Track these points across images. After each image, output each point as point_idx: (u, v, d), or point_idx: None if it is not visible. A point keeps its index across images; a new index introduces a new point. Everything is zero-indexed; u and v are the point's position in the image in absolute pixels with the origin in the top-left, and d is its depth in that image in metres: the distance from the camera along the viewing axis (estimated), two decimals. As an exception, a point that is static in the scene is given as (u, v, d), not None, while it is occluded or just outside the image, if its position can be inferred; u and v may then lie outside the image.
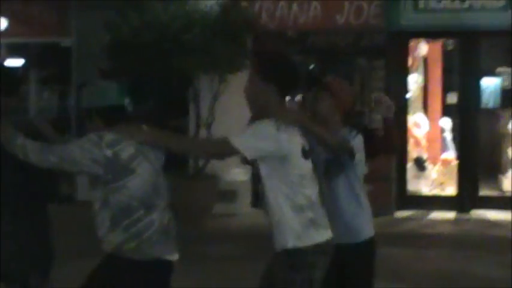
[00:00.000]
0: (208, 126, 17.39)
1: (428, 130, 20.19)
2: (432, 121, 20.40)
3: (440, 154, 20.08)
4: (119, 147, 6.82)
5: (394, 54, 18.91)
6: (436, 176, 19.75)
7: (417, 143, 19.67)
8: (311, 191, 7.07)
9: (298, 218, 6.96)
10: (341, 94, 8.06)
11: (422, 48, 20.17)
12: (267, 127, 6.85)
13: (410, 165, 19.30)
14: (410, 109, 19.64)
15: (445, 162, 19.67)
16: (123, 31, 17.05)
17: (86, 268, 7.10)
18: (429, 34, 19.48)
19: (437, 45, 20.42)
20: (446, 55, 20.52)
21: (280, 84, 7.02)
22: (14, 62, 22.14)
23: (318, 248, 7.03)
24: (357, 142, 7.96)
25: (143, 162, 6.94)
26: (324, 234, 7.09)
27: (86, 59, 20.11)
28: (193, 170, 17.00)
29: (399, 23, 18.33)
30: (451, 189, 18.98)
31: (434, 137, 20.33)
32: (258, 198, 15.69)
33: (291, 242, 6.94)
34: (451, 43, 20.05)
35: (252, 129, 7.00)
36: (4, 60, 21.95)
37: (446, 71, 20.38)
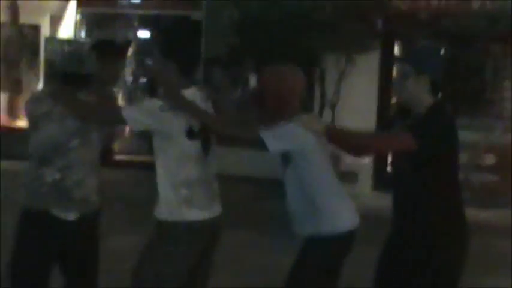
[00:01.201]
0: (333, 106, 16.91)
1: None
2: None
3: None
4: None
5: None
6: None
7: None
8: (192, 171, 7.21)
9: (173, 194, 7.19)
10: (267, 87, 7.78)
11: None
12: (152, 104, 7.03)
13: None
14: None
15: None
16: (252, 7, 16.67)
17: None
18: None
19: None
20: None
21: (179, 63, 7.07)
22: (145, 33, 22.44)
23: (190, 226, 7.26)
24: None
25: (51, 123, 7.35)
26: (197, 214, 7.28)
27: (214, 33, 19.62)
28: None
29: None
30: None
31: None
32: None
33: (163, 215, 7.26)
34: None
35: (140, 105, 7.35)
36: (137, 30, 22.39)
37: None
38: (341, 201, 7.65)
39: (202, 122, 7.29)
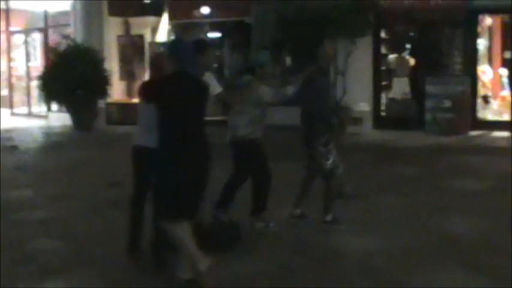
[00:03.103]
0: (343, 74, 17.30)
1: (491, 76, 19.78)
2: (494, 70, 19.98)
3: (500, 92, 19.58)
4: None
5: (469, 25, 18.51)
6: (497, 107, 19.38)
7: (484, 85, 19.35)
8: None
9: None
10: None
11: (488, 21, 19.80)
12: None
13: (479, 100, 18.93)
14: (480, 62, 19.18)
15: (503, 98, 19.28)
16: (287, 12, 17.03)
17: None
18: (492, 11, 18.99)
19: (498, 18, 19.95)
20: (504, 25, 19.93)
21: None
22: (214, 35, 22.26)
23: None
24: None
25: None
26: None
27: (261, 32, 19.88)
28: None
29: (472, 3, 17.95)
30: (506, 116, 18.51)
31: (496, 81, 19.91)
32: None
33: None
34: (507, 17, 19.43)
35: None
36: (207, 32, 22.22)
37: (504, 36, 19.86)
38: None
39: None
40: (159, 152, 6.52)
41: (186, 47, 6.87)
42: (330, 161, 8.68)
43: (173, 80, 6.52)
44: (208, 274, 6.50)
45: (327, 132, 8.68)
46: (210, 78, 8.03)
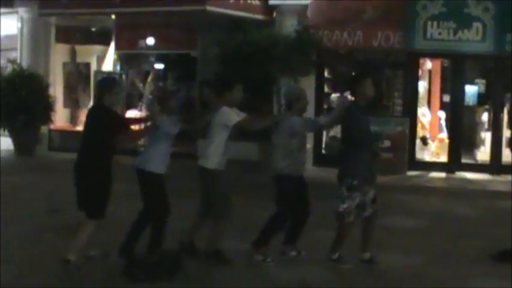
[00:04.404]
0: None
1: (430, 118, 20.12)
2: (433, 112, 20.34)
3: (438, 134, 19.96)
4: None
5: (410, 67, 18.87)
6: (434, 149, 19.68)
7: (423, 127, 19.64)
8: None
9: None
10: None
11: (428, 64, 20.15)
12: None
13: (418, 141, 19.20)
14: (419, 104, 19.46)
15: (441, 140, 19.62)
16: (230, 46, 17.04)
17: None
18: (433, 55, 19.39)
19: (438, 62, 20.36)
20: (443, 69, 20.44)
21: None
22: (158, 66, 22.25)
23: None
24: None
25: None
26: None
27: (205, 65, 19.91)
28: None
29: (414, 47, 18.22)
30: (444, 158, 18.92)
31: (434, 123, 20.26)
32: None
33: None
34: (446, 61, 19.95)
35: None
36: (154, 64, 22.27)
37: (443, 80, 20.33)
38: None
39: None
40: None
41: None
42: (345, 206, 8.67)
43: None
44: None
45: (355, 176, 8.61)
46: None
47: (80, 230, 8.60)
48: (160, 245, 8.69)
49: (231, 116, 8.66)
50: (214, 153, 8.77)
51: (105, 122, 8.56)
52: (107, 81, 9.60)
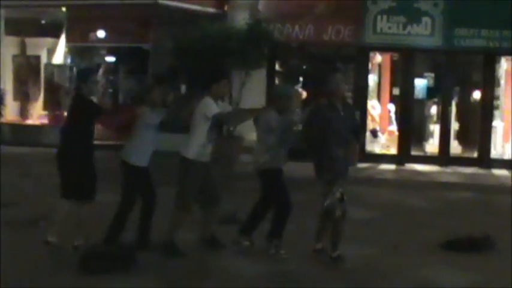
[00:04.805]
0: (237, 104, 17.12)
1: (380, 111, 20.35)
2: (383, 105, 20.59)
3: (388, 127, 20.24)
4: None
5: (360, 61, 19.12)
6: (384, 141, 19.96)
7: (373, 119, 19.88)
8: None
9: None
10: None
11: (378, 58, 20.38)
12: None
13: (368, 134, 19.41)
14: (369, 97, 19.69)
15: (390, 133, 19.88)
16: (184, 41, 16.95)
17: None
18: (383, 49, 19.61)
19: (388, 56, 20.59)
20: (393, 63, 20.67)
21: None
22: (109, 59, 22.32)
23: None
24: None
25: None
26: None
27: (158, 58, 20.03)
28: (226, 132, 16.97)
29: (364, 41, 18.51)
30: (393, 150, 19.19)
31: (384, 116, 20.49)
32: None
33: None
34: (396, 55, 20.17)
35: None
36: (105, 57, 22.30)
37: (393, 73, 20.55)
38: None
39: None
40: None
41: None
42: (328, 202, 8.61)
43: None
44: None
45: (331, 171, 8.56)
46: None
47: (56, 212, 8.97)
48: (117, 237, 8.77)
49: (212, 107, 8.67)
50: (195, 143, 8.77)
51: (79, 110, 8.84)
52: (84, 72, 10.20)
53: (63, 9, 21.02)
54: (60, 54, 22.15)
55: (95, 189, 8.96)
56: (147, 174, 9.01)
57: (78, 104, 8.96)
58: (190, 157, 8.77)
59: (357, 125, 9.51)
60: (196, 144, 8.78)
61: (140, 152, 8.85)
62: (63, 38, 21.91)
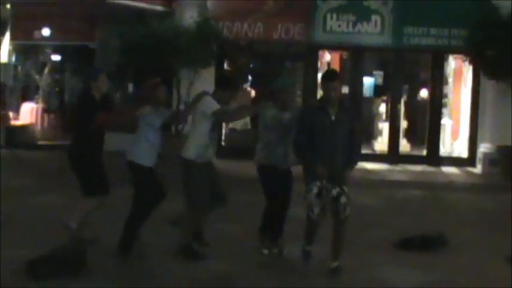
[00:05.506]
0: (185, 103, 16.84)
1: (328, 110, 20.20)
2: (332, 104, 20.41)
3: (337, 126, 20.12)
4: None
5: (309, 59, 19.09)
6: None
7: (321, 119, 19.76)
8: None
9: None
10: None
11: (327, 56, 20.33)
12: None
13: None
14: (318, 95, 19.44)
15: (340, 131, 19.82)
16: (131, 38, 16.87)
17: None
18: (332, 47, 19.59)
19: (337, 54, 20.55)
20: (342, 61, 20.66)
21: None
22: (55, 58, 21.98)
23: None
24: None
25: None
26: None
27: (104, 57, 19.78)
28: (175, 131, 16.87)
29: (313, 39, 18.47)
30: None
31: (333, 114, 20.33)
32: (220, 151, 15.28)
33: None
34: (345, 53, 20.21)
35: None
36: (50, 55, 21.92)
37: (342, 72, 20.48)
38: None
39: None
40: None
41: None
42: (315, 213, 8.41)
43: None
44: None
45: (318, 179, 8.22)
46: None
47: (80, 204, 9.28)
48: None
49: (212, 104, 8.47)
50: (194, 143, 8.59)
51: (83, 107, 9.06)
52: (92, 70, 10.26)
53: (8, 6, 20.62)
54: (4, 52, 21.64)
55: (98, 185, 9.15)
56: (154, 174, 8.90)
57: (87, 102, 8.99)
58: (190, 158, 8.60)
59: (352, 130, 8.56)
60: (196, 145, 8.61)
61: (149, 152, 8.73)
62: (7, 36, 21.47)
